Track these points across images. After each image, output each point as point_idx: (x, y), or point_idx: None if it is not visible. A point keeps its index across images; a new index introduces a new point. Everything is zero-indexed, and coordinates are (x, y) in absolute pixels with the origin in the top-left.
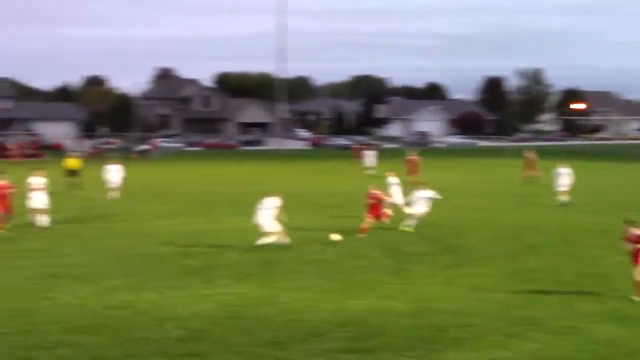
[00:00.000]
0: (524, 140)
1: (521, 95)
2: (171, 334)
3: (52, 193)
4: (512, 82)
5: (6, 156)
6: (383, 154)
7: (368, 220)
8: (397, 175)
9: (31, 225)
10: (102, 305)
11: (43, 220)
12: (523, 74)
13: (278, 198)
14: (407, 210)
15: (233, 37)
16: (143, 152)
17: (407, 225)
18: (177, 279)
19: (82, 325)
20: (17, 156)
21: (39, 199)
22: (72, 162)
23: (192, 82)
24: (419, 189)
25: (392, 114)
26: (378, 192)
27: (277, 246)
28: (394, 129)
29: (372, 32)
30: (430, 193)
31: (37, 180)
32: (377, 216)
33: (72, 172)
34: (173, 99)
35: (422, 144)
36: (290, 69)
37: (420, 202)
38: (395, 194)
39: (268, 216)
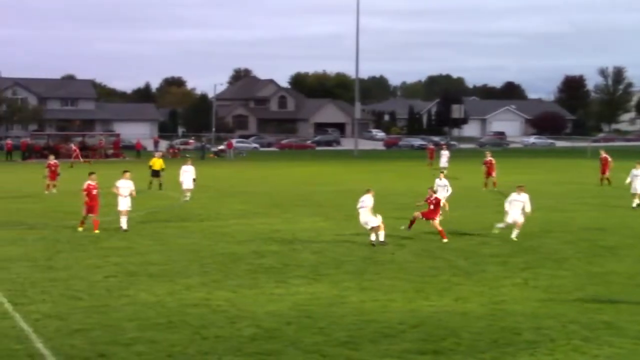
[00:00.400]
0: (604, 140)
1: (601, 95)
2: (244, 332)
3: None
4: (592, 81)
5: (88, 156)
6: (459, 155)
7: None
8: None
9: (118, 226)
10: (178, 303)
11: (124, 222)
12: (604, 72)
13: (371, 195)
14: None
15: (309, 38)
16: (219, 152)
17: (498, 228)
18: (252, 278)
19: (158, 322)
20: (98, 156)
21: (125, 202)
22: (156, 162)
23: (268, 82)
24: (519, 191)
25: (468, 114)
26: (435, 195)
27: (349, 246)
28: (470, 129)
29: (448, 31)
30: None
31: (125, 184)
32: (429, 217)
33: (156, 173)
34: (250, 100)
35: (498, 144)
36: (366, 69)
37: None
38: (443, 195)
39: (368, 213)
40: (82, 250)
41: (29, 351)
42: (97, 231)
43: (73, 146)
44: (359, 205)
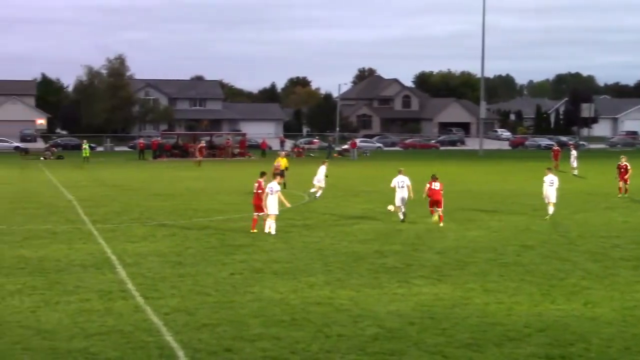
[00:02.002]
0: None
1: None
2: (367, 331)
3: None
4: None
5: (215, 155)
6: (588, 155)
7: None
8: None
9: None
10: (302, 301)
11: (272, 225)
12: None
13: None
14: None
15: (434, 37)
16: (343, 152)
17: None
18: (374, 277)
19: (282, 319)
20: (225, 155)
21: (274, 204)
22: (282, 162)
23: (393, 82)
24: None
25: (599, 113)
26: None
27: (473, 247)
28: (600, 129)
29: (576, 28)
30: None
31: (273, 186)
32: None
33: (280, 172)
34: (374, 99)
35: (631, 144)
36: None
37: None
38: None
39: (407, 191)
40: (209, 247)
41: (159, 344)
42: (254, 230)
43: (199, 145)
44: (399, 185)
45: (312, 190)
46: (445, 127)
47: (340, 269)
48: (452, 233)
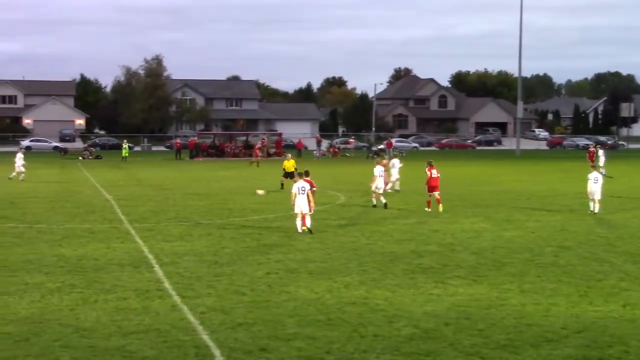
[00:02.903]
0: None
1: None
2: (402, 332)
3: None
4: None
5: (251, 155)
6: (626, 155)
7: None
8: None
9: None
10: (337, 301)
11: (309, 223)
12: None
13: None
14: None
15: (470, 36)
16: (379, 152)
17: None
18: (410, 277)
19: (318, 319)
20: (261, 155)
21: (304, 203)
22: (289, 164)
23: (429, 81)
24: None
25: (639, 112)
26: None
27: (509, 248)
28: None
29: (615, 26)
30: None
31: (303, 185)
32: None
33: (290, 174)
34: (410, 99)
35: None
36: (529, 67)
37: None
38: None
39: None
40: (245, 247)
41: (196, 342)
42: (305, 227)
43: (258, 144)
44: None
45: (389, 186)
46: (481, 127)
47: (375, 268)
48: (489, 233)
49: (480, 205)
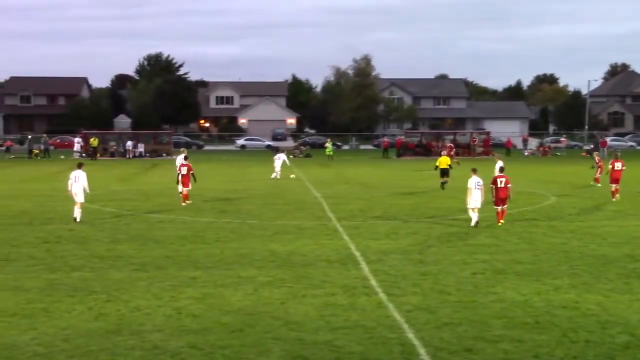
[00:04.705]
0: None
1: None
2: (617, 339)
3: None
4: None
5: (459, 154)
6: None
7: None
8: None
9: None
10: (546, 304)
11: (475, 217)
12: None
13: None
14: None
15: None
16: (590, 151)
17: None
18: (624, 282)
19: (525, 321)
20: (468, 153)
21: (478, 198)
22: (443, 161)
23: None
24: None
25: None
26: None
27: None
28: None
29: None
30: None
31: (476, 180)
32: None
33: (444, 171)
34: (627, 96)
35: None
36: None
37: None
38: None
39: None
40: (451, 246)
41: (401, 340)
42: (501, 221)
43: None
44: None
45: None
46: None
47: (587, 272)
48: None
49: None
